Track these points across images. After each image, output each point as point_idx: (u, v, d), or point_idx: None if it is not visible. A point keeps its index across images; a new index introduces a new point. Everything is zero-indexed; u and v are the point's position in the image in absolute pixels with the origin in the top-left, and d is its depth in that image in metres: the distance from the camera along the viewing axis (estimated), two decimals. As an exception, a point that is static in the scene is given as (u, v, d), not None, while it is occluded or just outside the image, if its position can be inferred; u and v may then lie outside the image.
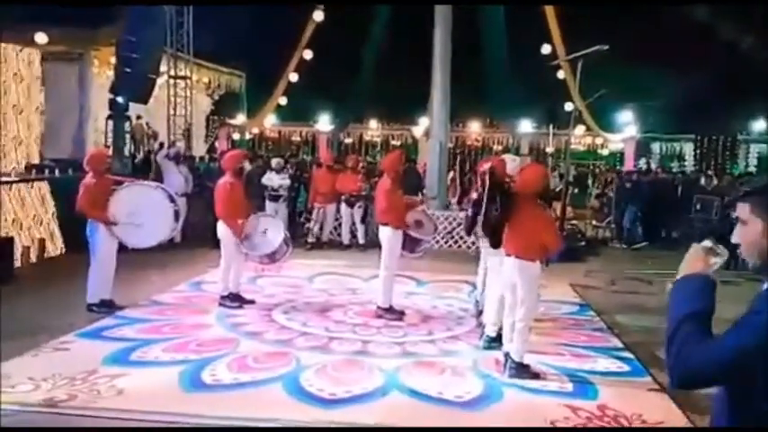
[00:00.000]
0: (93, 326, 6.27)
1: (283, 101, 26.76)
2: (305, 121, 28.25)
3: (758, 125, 25.87)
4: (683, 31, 22.24)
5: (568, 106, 20.14)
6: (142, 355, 5.48)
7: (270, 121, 27.28)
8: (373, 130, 29.44)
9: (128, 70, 10.74)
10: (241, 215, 6.98)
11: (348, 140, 29.31)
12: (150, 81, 11.55)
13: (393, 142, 29.14)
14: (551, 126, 18.33)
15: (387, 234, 6.68)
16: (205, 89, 21.67)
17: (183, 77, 13.65)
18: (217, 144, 23.79)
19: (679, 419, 4.66)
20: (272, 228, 7.12)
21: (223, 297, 7.07)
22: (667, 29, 22.43)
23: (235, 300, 7.08)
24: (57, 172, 10.52)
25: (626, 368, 5.75)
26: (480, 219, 5.17)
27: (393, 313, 6.75)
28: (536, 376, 5.33)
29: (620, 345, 6.42)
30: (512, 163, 5.48)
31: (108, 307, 6.85)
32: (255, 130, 27.72)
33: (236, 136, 26.42)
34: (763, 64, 20.92)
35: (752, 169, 24.64)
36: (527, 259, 5.17)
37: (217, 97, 22.77)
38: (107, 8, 11.43)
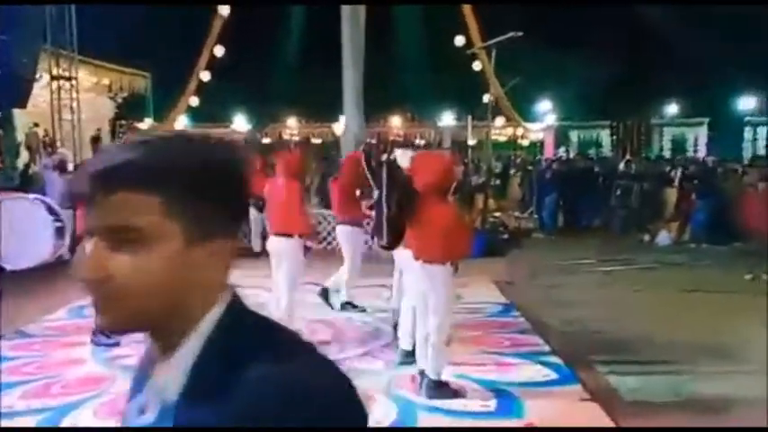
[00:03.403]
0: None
1: (195, 101, 25.61)
2: (220, 121, 27.15)
3: (671, 109, 26.49)
4: (597, 17, 22.44)
5: (486, 97, 19.94)
6: (-10, 405, 4.58)
7: (181, 123, 26.04)
8: (292, 128, 28.61)
9: (3, 72, 9.58)
10: None
11: (267, 140, 28.34)
12: (26, 83, 10.39)
13: (314, 140, 28.41)
14: (470, 118, 18.02)
15: (288, 245, 5.91)
16: (107, 91, 20.40)
17: (68, 78, 12.43)
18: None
19: (613, 434, 4.17)
20: None
21: (95, 332, 5.92)
22: (581, 15, 22.58)
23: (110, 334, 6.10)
24: None
25: (553, 376, 5.24)
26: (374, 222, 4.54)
27: None
28: (455, 394, 4.74)
29: (546, 348, 5.93)
30: (402, 157, 4.83)
31: None
32: (164, 134, 26.45)
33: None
34: (674, 48, 21.29)
35: (666, 152, 25.16)
36: (435, 263, 4.56)
37: (120, 100, 21.46)
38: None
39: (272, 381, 0.79)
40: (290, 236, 5.85)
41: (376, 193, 5.16)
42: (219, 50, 23.24)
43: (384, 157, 4.87)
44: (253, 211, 10.84)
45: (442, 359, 4.74)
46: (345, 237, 7.10)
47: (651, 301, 7.86)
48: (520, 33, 12.29)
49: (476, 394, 4.79)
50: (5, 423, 4.29)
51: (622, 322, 6.84)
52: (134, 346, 5.91)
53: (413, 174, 4.58)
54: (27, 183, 10.99)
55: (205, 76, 23.75)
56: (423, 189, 4.54)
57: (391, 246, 4.63)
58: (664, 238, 11.85)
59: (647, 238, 12.12)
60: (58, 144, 11.60)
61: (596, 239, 12.48)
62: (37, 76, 12.14)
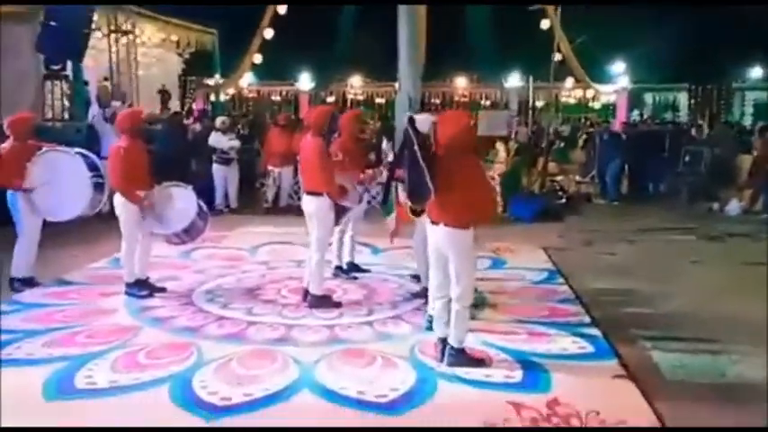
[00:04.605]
0: (-22, 314, 5.41)
1: (258, 59, 25.59)
2: (284, 79, 27.14)
3: (754, 72, 24.83)
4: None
5: (552, 58, 19.18)
6: (14, 351, 4.62)
7: (247, 80, 26.14)
8: (356, 87, 28.33)
9: (53, 24, 9.65)
10: (141, 185, 5.91)
11: (331, 99, 28.20)
12: (81, 36, 10.45)
13: (378, 100, 28.13)
14: (530, 78, 17.35)
15: (316, 205, 5.75)
16: (175, 47, 20.54)
17: (125, 32, 12.54)
18: (194, 106, 22.74)
19: (645, 415, 3.86)
20: (182, 199, 6.03)
21: (129, 285, 6.03)
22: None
23: (142, 287, 6.06)
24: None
25: (589, 349, 4.92)
26: (409, 182, 4.24)
27: (327, 304, 5.84)
28: (480, 363, 4.52)
29: (586, 319, 5.60)
30: (422, 123, 4.52)
31: (29, 285, 6.23)
32: (231, 91, 26.59)
33: (213, 97, 25.32)
34: (758, 8, 19.79)
35: (748, 118, 23.68)
36: (458, 227, 4.29)
37: (187, 56, 21.62)
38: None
39: None
40: (317, 195, 5.69)
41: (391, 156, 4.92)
42: (282, 8, 22.98)
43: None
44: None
45: (465, 326, 4.51)
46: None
47: (711, 273, 7.36)
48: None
49: (502, 365, 4.55)
50: (21, 371, 4.32)
51: (677, 295, 6.41)
52: (165, 299, 5.96)
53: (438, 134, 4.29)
54: (94, 135, 11.20)
55: (268, 33, 23.57)
56: (444, 149, 4.25)
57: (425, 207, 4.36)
58: (734, 207, 11.11)
59: (715, 206, 11.40)
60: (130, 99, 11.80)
61: (661, 207, 11.86)
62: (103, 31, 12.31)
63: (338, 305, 5.81)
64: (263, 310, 5.71)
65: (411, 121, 4.32)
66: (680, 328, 5.51)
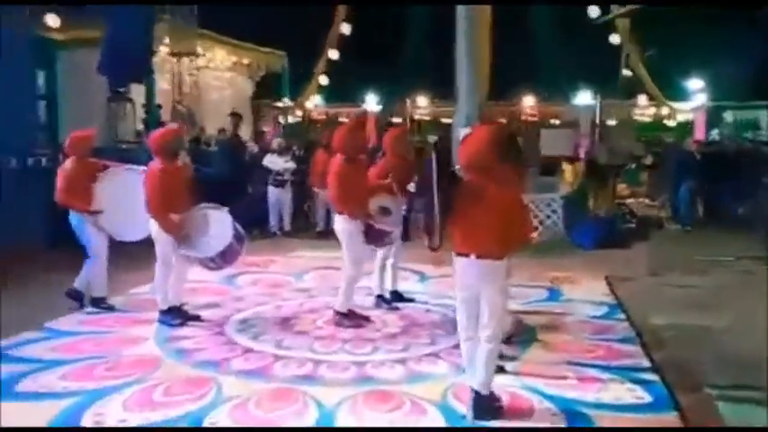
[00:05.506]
0: (11, 340, 5.32)
1: (325, 81, 25.78)
2: (351, 101, 27.23)
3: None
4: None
5: (623, 73, 18.45)
6: (30, 384, 4.48)
7: (314, 102, 26.33)
8: (422, 107, 28.17)
9: (113, 47, 9.81)
10: (176, 208, 5.67)
11: (397, 120, 28.07)
12: (142, 58, 10.58)
13: (444, 120, 27.79)
14: (599, 96, 16.66)
15: (340, 225, 5.55)
16: (246, 70, 20.85)
17: (188, 54, 12.68)
18: (266, 129, 23.00)
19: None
20: (217, 222, 5.78)
21: (163, 312, 5.82)
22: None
23: (176, 315, 5.84)
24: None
25: (646, 399, 4.38)
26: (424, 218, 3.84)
27: (353, 319, 5.55)
28: (512, 415, 4.04)
29: (645, 363, 5.05)
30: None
31: (102, 306, 6.29)
32: (299, 113, 26.82)
33: (282, 120, 25.62)
34: None
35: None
36: (492, 258, 3.85)
37: (258, 78, 21.96)
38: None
39: None
40: (340, 213, 5.53)
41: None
42: (346, 28, 23.05)
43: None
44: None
45: (494, 368, 4.06)
46: None
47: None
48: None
49: (543, 415, 4.09)
50: (33, 406, 4.15)
51: (751, 335, 5.75)
52: (196, 328, 5.76)
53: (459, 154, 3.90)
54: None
55: (333, 54, 23.70)
56: (465, 169, 3.85)
57: (440, 247, 3.93)
58: (820, 234, 10.15)
59: (800, 234, 10.45)
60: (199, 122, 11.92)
61: (739, 233, 10.98)
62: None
63: (366, 318, 5.55)
64: (293, 342, 5.42)
65: (436, 146, 3.96)
66: (752, 373, 4.89)
